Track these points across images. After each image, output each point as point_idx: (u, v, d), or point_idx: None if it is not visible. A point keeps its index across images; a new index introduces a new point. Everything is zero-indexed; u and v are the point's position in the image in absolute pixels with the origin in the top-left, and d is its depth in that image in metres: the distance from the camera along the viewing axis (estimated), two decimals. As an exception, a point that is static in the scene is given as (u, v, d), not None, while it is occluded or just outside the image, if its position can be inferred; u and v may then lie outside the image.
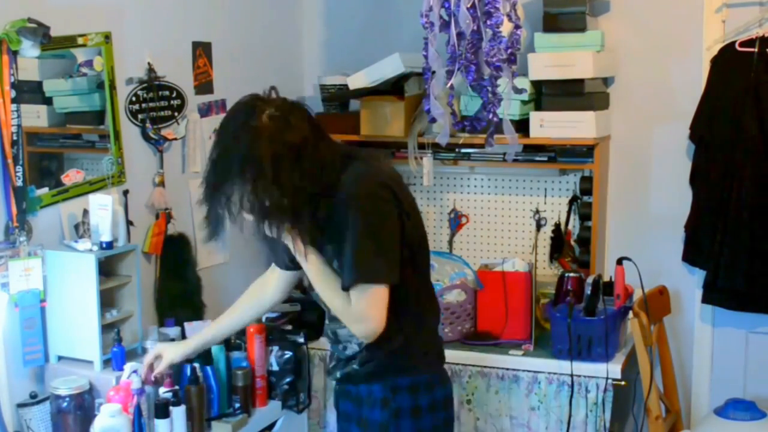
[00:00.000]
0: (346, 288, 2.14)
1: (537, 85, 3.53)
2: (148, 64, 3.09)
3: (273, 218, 2.11)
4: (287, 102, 2.19)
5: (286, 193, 2.08)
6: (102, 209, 2.71)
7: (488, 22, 3.05)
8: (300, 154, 2.09)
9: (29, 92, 2.71)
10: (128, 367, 2.60)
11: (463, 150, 3.68)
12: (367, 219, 2.11)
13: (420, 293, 2.29)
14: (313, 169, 2.11)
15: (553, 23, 3.48)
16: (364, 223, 2.10)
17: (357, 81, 3.64)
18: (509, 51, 3.10)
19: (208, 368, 2.77)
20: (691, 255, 3.60)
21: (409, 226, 2.19)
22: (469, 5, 3.03)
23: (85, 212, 2.79)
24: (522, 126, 3.51)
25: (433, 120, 3.31)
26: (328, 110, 3.86)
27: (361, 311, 2.14)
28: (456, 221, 3.92)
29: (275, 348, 3.01)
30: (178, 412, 2.59)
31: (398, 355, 2.24)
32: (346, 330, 2.26)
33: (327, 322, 2.38)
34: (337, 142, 2.28)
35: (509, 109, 3.30)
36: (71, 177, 2.80)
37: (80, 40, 2.80)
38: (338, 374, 2.36)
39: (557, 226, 3.77)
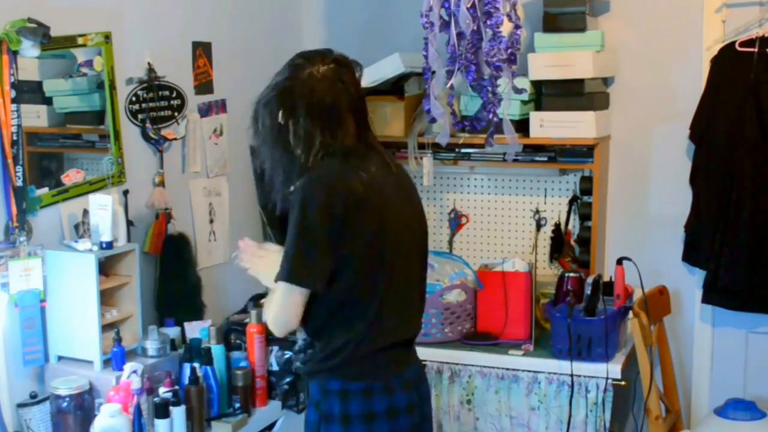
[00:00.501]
0: (276, 280, 2.23)
1: (537, 85, 3.53)
2: (148, 64, 3.09)
3: (277, 164, 2.28)
4: (339, 70, 2.28)
5: (292, 143, 2.24)
6: (102, 209, 2.71)
7: (488, 22, 3.04)
8: (312, 114, 2.23)
9: (29, 92, 2.70)
10: (128, 367, 2.60)
11: (463, 150, 3.68)
12: (304, 221, 2.16)
13: (374, 306, 2.24)
14: (311, 137, 2.23)
15: (553, 23, 3.48)
16: (302, 224, 2.17)
17: (357, 81, 3.63)
18: (509, 51, 3.10)
19: (208, 368, 2.77)
20: (691, 255, 3.60)
21: (360, 240, 2.19)
22: (469, 5, 3.03)
23: (85, 212, 2.79)
24: (522, 126, 3.51)
25: (433, 120, 3.31)
26: (328, 110, 3.85)
27: (274, 307, 2.24)
28: (456, 221, 3.92)
29: (275, 348, 3.02)
30: (178, 412, 2.59)
31: (332, 359, 2.24)
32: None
33: None
34: (360, 135, 2.29)
35: (509, 109, 3.30)
36: (71, 177, 2.80)
37: (80, 40, 2.80)
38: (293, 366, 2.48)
39: (557, 226, 3.77)
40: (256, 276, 2.41)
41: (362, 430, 2.24)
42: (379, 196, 2.23)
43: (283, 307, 2.22)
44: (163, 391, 2.62)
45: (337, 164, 2.22)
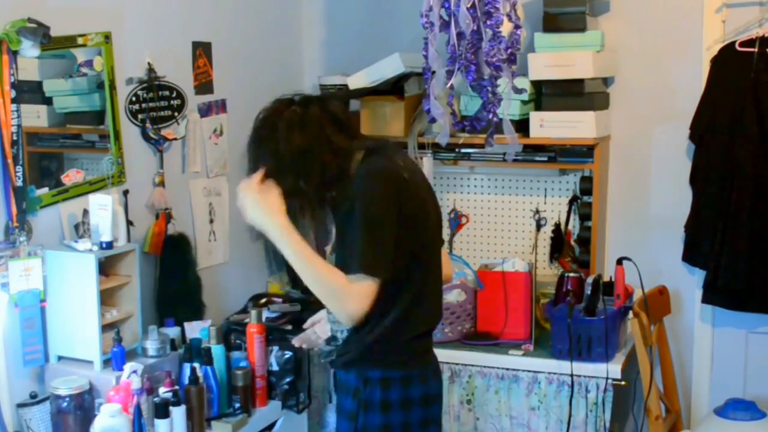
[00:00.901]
0: (355, 271, 2.22)
1: (537, 85, 3.53)
2: (148, 64, 3.09)
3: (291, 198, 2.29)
4: (304, 109, 2.34)
5: (302, 180, 2.29)
6: (102, 209, 2.71)
7: (488, 22, 3.05)
8: (309, 151, 2.27)
9: (29, 92, 2.70)
10: (128, 367, 2.60)
11: (463, 150, 3.68)
12: (370, 212, 2.22)
13: (412, 293, 2.31)
14: (323, 162, 2.27)
15: (553, 23, 3.47)
16: (369, 216, 2.22)
17: (357, 81, 3.64)
18: (509, 51, 3.10)
19: (208, 368, 2.77)
20: (691, 255, 3.59)
21: (410, 228, 2.26)
22: (469, 5, 3.03)
23: (85, 212, 2.79)
24: (522, 126, 3.51)
25: (433, 120, 3.31)
26: (328, 110, 3.86)
27: (349, 296, 2.21)
28: (456, 221, 3.92)
29: (275, 348, 3.02)
30: (178, 412, 2.59)
31: (374, 347, 2.30)
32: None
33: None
34: (364, 136, 2.43)
35: (509, 109, 3.30)
36: (71, 177, 2.80)
37: (80, 40, 2.80)
38: (324, 353, 2.49)
39: (557, 226, 3.76)
40: (258, 212, 2.28)
41: (401, 417, 2.30)
42: (417, 185, 2.34)
43: (362, 297, 2.21)
44: (163, 391, 2.62)
45: (380, 158, 2.31)
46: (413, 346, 2.35)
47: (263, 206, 2.26)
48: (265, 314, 3.24)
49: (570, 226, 3.75)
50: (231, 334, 3.11)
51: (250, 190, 2.28)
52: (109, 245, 2.71)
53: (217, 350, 2.85)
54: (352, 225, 2.24)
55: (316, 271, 2.24)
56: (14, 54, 2.52)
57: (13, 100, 2.54)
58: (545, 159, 3.60)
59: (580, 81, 3.44)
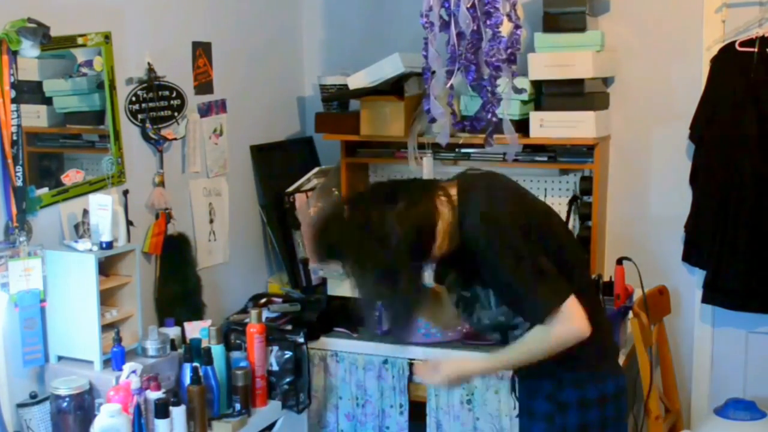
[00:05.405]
0: (541, 322, 2.16)
1: (537, 85, 3.53)
2: (148, 64, 3.09)
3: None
4: (355, 206, 2.28)
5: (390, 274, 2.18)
6: (102, 209, 2.71)
7: (488, 22, 3.04)
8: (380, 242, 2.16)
9: (29, 92, 2.71)
10: (128, 367, 2.61)
11: (463, 150, 3.68)
12: (507, 257, 2.15)
13: (582, 291, 2.23)
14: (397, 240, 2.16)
15: (553, 23, 3.47)
16: (508, 262, 2.15)
17: (357, 81, 3.63)
18: (509, 51, 3.10)
19: (209, 368, 2.78)
20: (691, 255, 3.60)
21: (543, 236, 2.21)
22: (469, 5, 3.03)
23: (85, 212, 2.80)
24: (522, 126, 3.51)
25: (433, 120, 3.30)
26: (328, 110, 3.86)
27: (563, 333, 2.16)
28: (456, 221, 3.91)
29: (275, 348, 3.02)
30: (178, 412, 2.59)
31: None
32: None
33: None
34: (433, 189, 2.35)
35: (509, 109, 3.30)
36: (71, 177, 2.80)
37: (80, 40, 2.81)
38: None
39: (557, 226, 3.76)
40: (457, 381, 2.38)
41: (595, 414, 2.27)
42: (518, 198, 2.32)
43: (575, 317, 2.15)
44: (163, 392, 2.62)
45: (476, 195, 2.26)
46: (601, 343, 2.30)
47: (459, 378, 2.36)
48: (265, 314, 3.25)
49: (570, 226, 3.75)
50: (231, 334, 3.11)
51: (442, 378, 2.34)
52: (109, 245, 2.71)
53: (217, 350, 2.85)
54: (499, 279, 2.18)
55: (525, 356, 2.23)
56: (14, 54, 2.53)
57: (13, 100, 2.54)
58: (545, 159, 3.60)
59: (580, 81, 3.44)
